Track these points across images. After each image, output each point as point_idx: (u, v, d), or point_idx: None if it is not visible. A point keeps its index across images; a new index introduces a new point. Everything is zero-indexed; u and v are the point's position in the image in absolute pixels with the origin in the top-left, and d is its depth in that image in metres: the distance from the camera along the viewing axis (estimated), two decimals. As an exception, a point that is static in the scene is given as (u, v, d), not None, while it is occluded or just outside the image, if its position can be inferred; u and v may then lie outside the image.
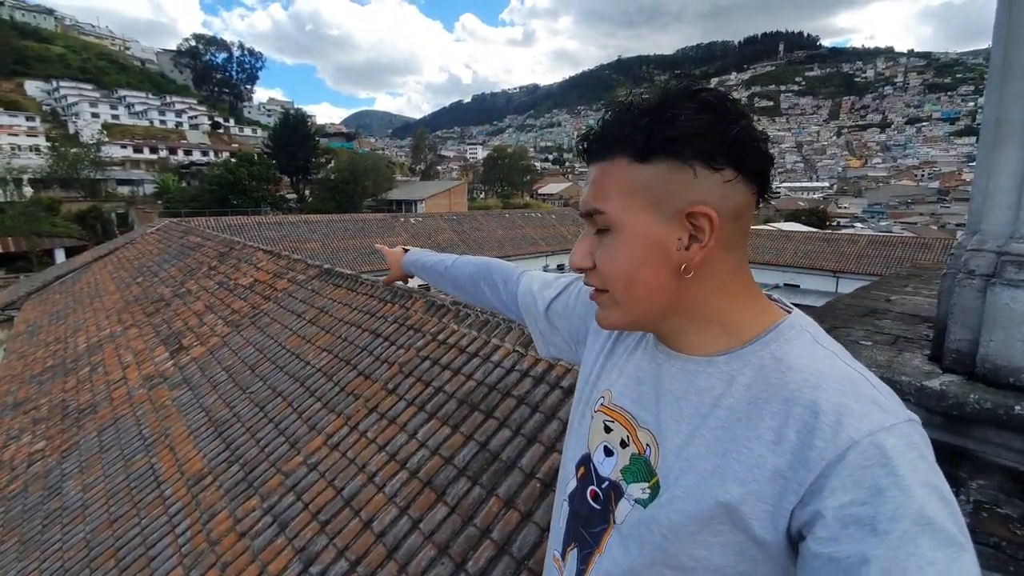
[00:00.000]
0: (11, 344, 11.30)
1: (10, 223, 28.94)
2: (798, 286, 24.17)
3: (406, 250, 1.70)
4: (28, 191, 36.37)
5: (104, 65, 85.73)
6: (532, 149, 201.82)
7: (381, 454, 2.94)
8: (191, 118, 75.64)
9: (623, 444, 0.82)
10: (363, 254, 22.75)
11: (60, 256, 27.08)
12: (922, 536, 0.54)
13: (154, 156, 58.32)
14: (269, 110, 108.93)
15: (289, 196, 48.40)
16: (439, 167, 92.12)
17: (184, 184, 44.76)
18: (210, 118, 79.46)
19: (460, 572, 2.16)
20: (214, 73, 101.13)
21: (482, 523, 2.30)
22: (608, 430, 0.85)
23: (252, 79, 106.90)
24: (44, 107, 69.83)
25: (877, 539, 0.55)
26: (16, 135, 56.84)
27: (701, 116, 0.68)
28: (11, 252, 27.98)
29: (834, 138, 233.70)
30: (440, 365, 3.40)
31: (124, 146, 57.38)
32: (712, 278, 0.74)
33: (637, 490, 0.77)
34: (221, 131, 78.37)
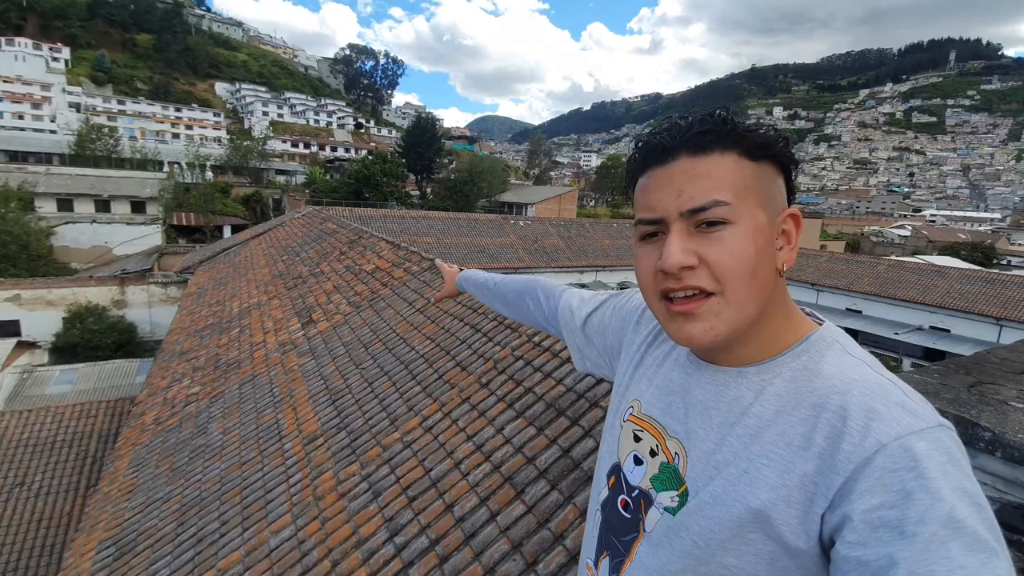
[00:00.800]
0: (184, 302, 13.25)
1: (193, 201, 33.85)
2: (948, 331, 20.74)
3: (461, 269, 1.76)
4: (209, 175, 42.27)
5: (276, 71, 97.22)
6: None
7: (468, 443, 3.05)
8: (339, 119, 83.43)
9: (652, 453, 0.82)
10: (472, 251, 23.60)
11: (227, 232, 31.17)
12: (952, 540, 0.53)
13: (307, 151, 64.94)
14: (404, 113, 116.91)
15: (413, 193, 51.52)
16: (552, 173, 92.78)
17: (328, 177, 49.36)
18: (354, 119, 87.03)
19: (530, 572, 2.17)
20: (362, 79, 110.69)
21: (557, 528, 2.30)
22: (637, 439, 0.86)
23: (393, 85, 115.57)
24: (228, 105, 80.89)
25: (905, 542, 0.54)
26: (205, 127, 66.46)
27: (768, 131, 0.74)
28: (192, 225, 32.72)
29: (1012, 162, 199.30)
30: (532, 366, 3.44)
31: (284, 141, 64.55)
32: (781, 288, 0.77)
33: (666, 498, 0.77)
34: (363, 131, 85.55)
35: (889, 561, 0.54)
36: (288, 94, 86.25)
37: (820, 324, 0.77)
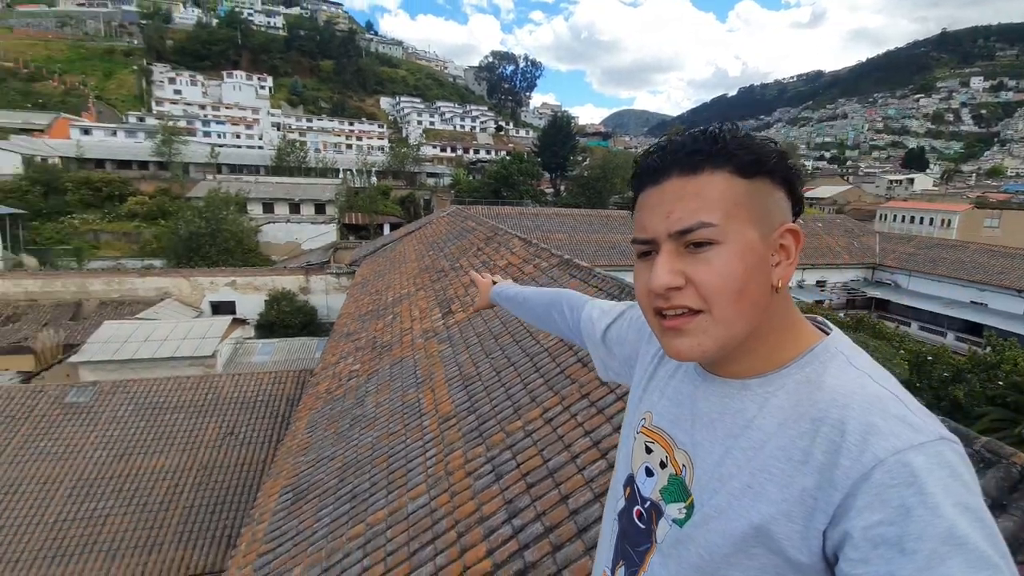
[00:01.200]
0: (351, 290, 15.02)
1: (361, 203, 38.12)
2: None
3: (494, 282, 1.75)
4: (374, 180, 47.19)
5: (429, 82, 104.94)
6: (804, 146, 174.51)
7: (586, 439, 3.07)
8: (482, 123, 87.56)
9: (662, 465, 0.82)
10: (602, 248, 23.24)
11: (387, 229, 34.56)
12: (952, 556, 0.51)
13: (453, 154, 69.21)
14: (541, 113, 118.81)
15: (547, 191, 52.21)
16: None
17: (471, 177, 52.12)
18: (495, 122, 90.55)
19: None
20: (502, 83, 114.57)
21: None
22: (649, 451, 0.86)
23: (531, 87, 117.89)
24: (389, 117, 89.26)
25: (905, 559, 0.53)
26: (371, 138, 74.21)
27: (775, 146, 0.73)
28: (359, 224, 36.85)
29: None
30: (654, 366, 3.34)
31: (434, 146, 69.53)
32: (782, 302, 0.75)
33: (675, 510, 0.77)
34: (502, 133, 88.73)
35: None
36: (439, 103, 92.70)
37: (827, 334, 0.76)
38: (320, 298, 22.10)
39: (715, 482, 0.72)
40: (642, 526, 0.83)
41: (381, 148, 68.28)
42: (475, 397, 4.43)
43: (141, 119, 55.04)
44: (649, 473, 0.84)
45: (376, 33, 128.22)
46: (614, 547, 0.90)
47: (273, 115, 71.06)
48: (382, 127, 79.76)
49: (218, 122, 63.39)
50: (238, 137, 62.71)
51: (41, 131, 45.65)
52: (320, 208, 36.40)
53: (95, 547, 8.32)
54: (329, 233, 34.19)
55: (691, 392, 0.82)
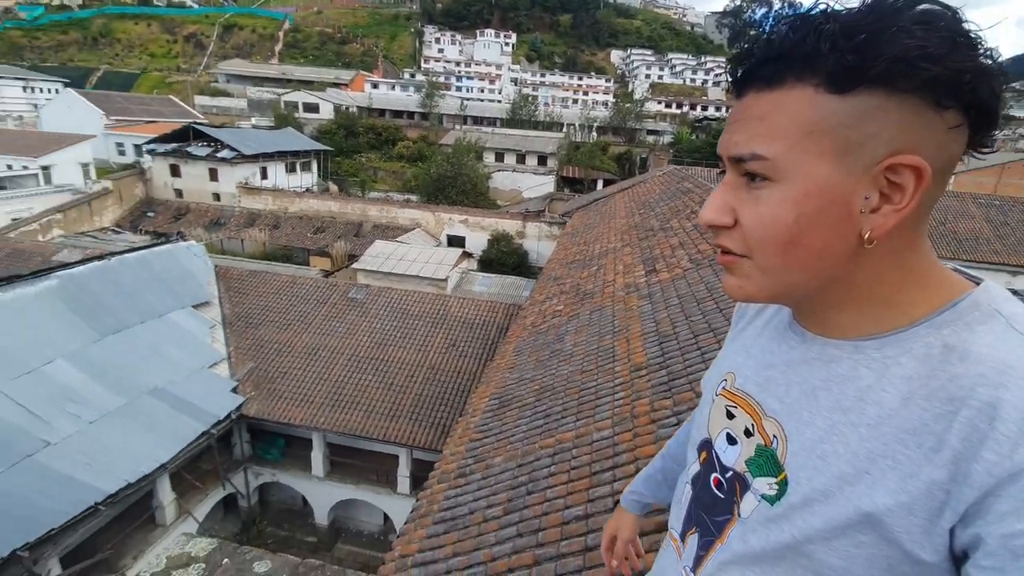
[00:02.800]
0: (561, 239, 15.84)
1: (580, 158, 38.86)
2: None
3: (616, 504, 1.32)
4: (594, 135, 47.34)
5: (664, 33, 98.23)
6: None
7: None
8: (715, 76, 79.06)
9: (747, 433, 0.70)
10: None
11: (600, 185, 34.78)
12: None
13: (678, 111, 64.62)
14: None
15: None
16: (1002, 133, 65.93)
17: (694, 137, 48.36)
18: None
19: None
20: (748, 30, 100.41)
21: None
22: (730, 416, 0.73)
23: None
24: (618, 71, 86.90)
25: None
26: (597, 93, 73.57)
27: (929, 35, 0.49)
28: (576, 177, 37.81)
29: None
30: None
31: (659, 102, 65.73)
32: (896, 251, 0.57)
33: (764, 485, 0.65)
34: (739, 87, 78.96)
35: None
36: (671, 55, 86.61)
37: (976, 285, 0.58)
38: (532, 243, 23.73)
39: (817, 460, 0.59)
40: (720, 495, 0.73)
41: (605, 103, 67.51)
42: (668, 354, 4.52)
43: (412, 75, 64.02)
44: (731, 440, 0.72)
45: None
46: (686, 512, 0.80)
47: (513, 71, 75.40)
48: (608, 81, 78.36)
49: (468, 78, 69.97)
50: (482, 92, 68.44)
51: (346, 85, 56.53)
52: (542, 160, 38.27)
53: (358, 405, 10.92)
54: (547, 184, 35.90)
55: (786, 353, 0.68)
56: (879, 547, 0.54)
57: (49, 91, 45.71)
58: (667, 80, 79.51)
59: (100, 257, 12.05)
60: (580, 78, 77.55)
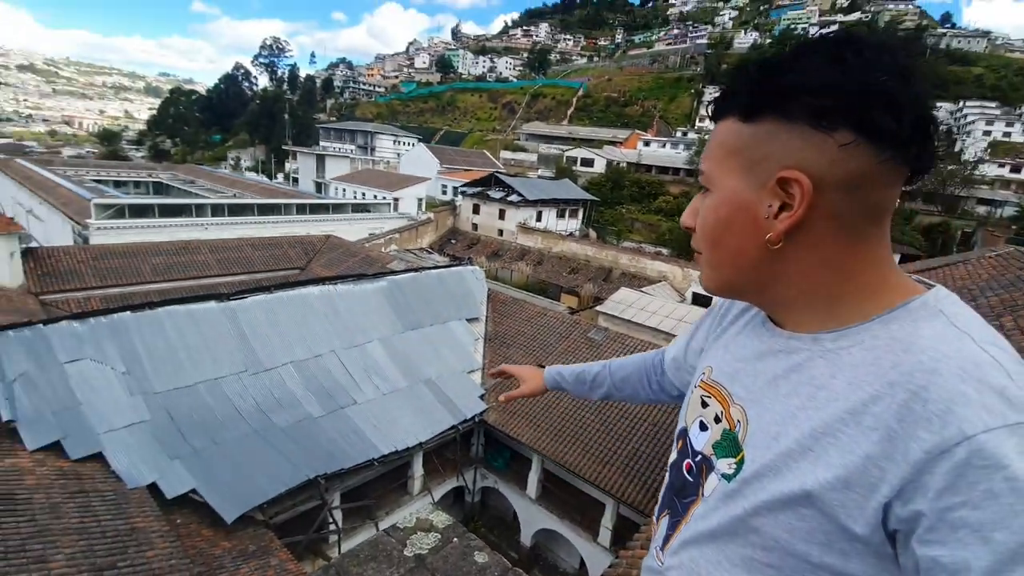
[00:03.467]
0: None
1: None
2: None
3: (541, 366, 1.52)
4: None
5: (1018, 81, 74.57)
6: None
7: None
8: (1119, 133, 55.74)
9: (716, 419, 0.75)
10: None
11: (896, 260, 27.92)
12: None
13: (1036, 177, 47.78)
14: None
15: None
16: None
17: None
18: None
19: None
20: None
21: None
22: (705, 405, 0.79)
23: None
24: (942, 127, 69.38)
25: (986, 548, 0.46)
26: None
27: (824, 68, 0.56)
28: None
29: None
30: None
31: (1001, 164, 49.87)
32: (816, 251, 0.62)
33: (724, 464, 0.70)
34: None
35: (964, 566, 0.47)
36: (1032, 107, 64.75)
37: (928, 289, 0.63)
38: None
39: (769, 440, 0.64)
40: (690, 479, 0.78)
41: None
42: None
43: (684, 134, 63.62)
44: (703, 427, 0.78)
45: (953, 25, 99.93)
46: (662, 497, 0.87)
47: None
48: (928, 140, 62.94)
49: (743, 135, 65.90)
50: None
51: (621, 143, 59.74)
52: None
53: (577, 441, 10.97)
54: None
55: (756, 347, 0.74)
56: (818, 520, 0.57)
57: (408, 144, 60.98)
58: (1017, 138, 59.75)
59: (416, 269, 15.27)
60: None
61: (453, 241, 30.89)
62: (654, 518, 0.90)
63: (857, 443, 0.55)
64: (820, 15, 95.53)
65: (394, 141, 62.44)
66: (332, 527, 9.62)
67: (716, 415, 0.76)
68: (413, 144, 57.46)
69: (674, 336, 12.86)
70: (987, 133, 61.71)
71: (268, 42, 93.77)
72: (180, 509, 7.55)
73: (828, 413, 0.59)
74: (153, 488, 7.43)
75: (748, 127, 0.62)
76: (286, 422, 9.68)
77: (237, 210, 24.37)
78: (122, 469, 7.35)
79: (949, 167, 40.93)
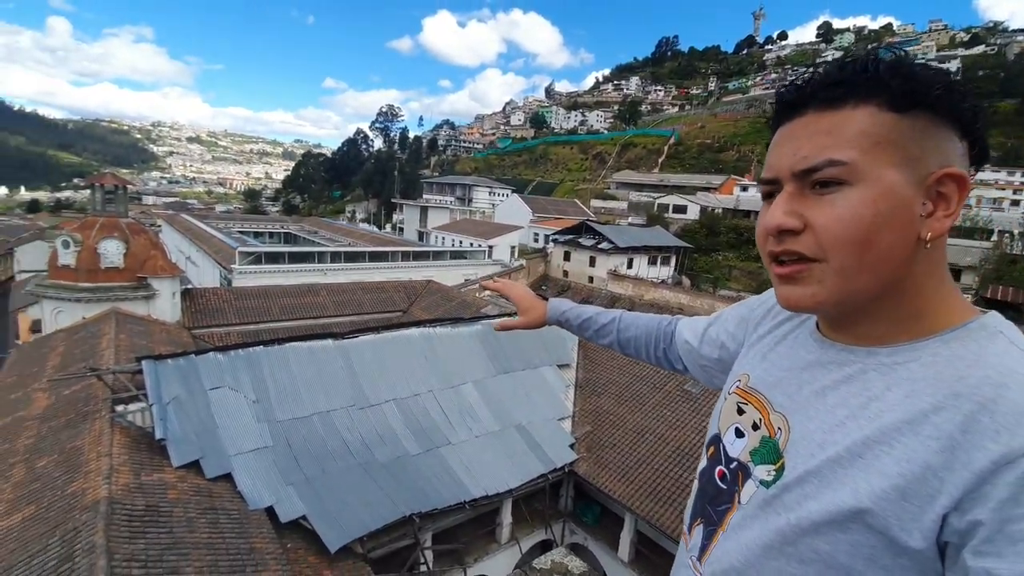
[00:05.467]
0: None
1: (1017, 275, 27.47)
2: None
3: (544, 298, 1.44)
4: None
5: None
6: None
7: None
8: None
9: (755, 427, 0.74)
10: None
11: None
12: None
13: None
14: None
15: None
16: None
17: None
18: None
19: None
20: None
21: None
22: (741, 412, 0.78)
23: None
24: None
25: None
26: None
27: (956, 80, 0.59)
28: (1007, 301, 26.67)
29: None
30: None
31: None
32: (936, 262, 0.62)
33: (763, 471, 0.69)
34: None
35: None
36: None
37: (984, 313, 0.63)
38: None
39: (815, 447, 0.62)
40: (723, 486, 0.76)
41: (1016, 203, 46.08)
42: None
43: (786, 177, 59.93)
44: (739, 434, 0.76)
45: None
46: (693, 505, 0.85)
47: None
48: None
49: (856, 177, 60.64)
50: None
51: (716, 189, 57.65)
52: (956, 273, 28.64)
53: (673, 502, 10.14)
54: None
55: (802, 357, 0.72)
56: (865, 535, 0.55)
57: (503, 195, 63.72)
58: None
59: (509, 314, 15.54)
60: (1030, 173, 55.76)
61: (544, 287, 31.19)
62: (685, 528, 0.87)
63: (916, 452, 0.53)
64: (938, 50, 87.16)
65: (490, 192, 65.69)
66: (424, 567, 9.63)
67: (754, 422, 0.74)
68: (507, 195, 60.01)
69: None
70: None
71: (384, 109, 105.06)
72: (291, 534, 8.02)
73: (882, 423, 0.57)
74: (269, 511, 8.01)
75: (904, 119, 0.59)
76: (386, 457, 10.07)
77: (351, 257, 26.81)
78: (246, 491, 8.04)
79: None
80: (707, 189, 57.70)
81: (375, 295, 19.87)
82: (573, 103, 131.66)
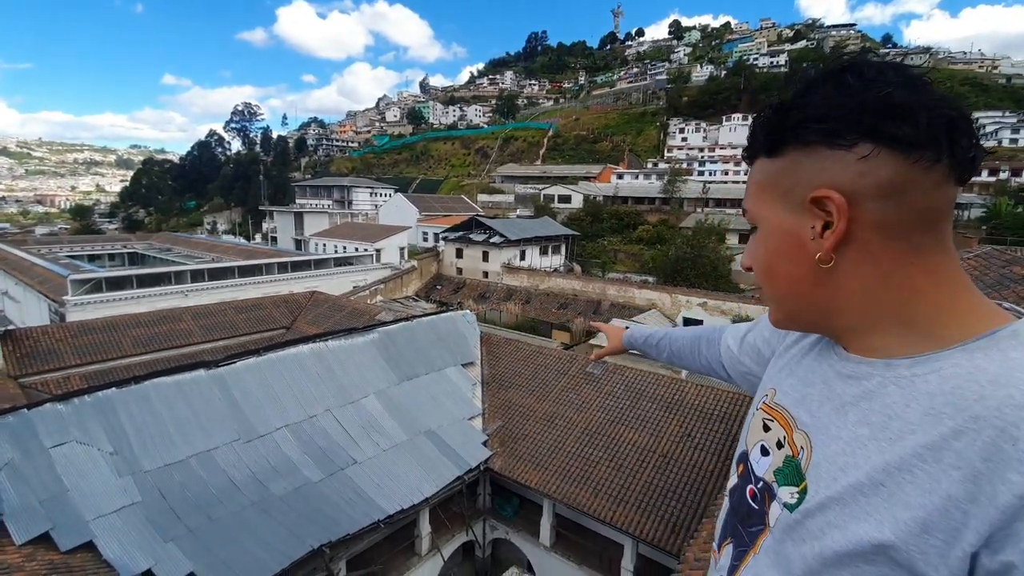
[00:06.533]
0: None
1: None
2: None
3: (626, 327, 1.64)
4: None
5: (964, 91, 79.69)
6: None
7: None
8: (1058, 132, 59.41)
9: (779, 445, 0.72)
10: None
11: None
12: None
13: (991, 178, 50.34)
14: None
15: None
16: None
17: (1019, 209, 36.52)
18: (1090, 129, 59.63)
19: None
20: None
21: None
22: (767, 428, 0.76)
23: None
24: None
25: None
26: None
27: (830, 94, 0.59)
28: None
29: None
30: None
31: (963, 169, 52.35)
32: (873, 266, 0.60)
33: (786, 494, 0.67)
34: (1103, 143, 57.56)
35: None
36: (978, 114, 68.94)
37: (1018, 318, 0.59)
38: (784, 331, 20.75)
39: (836, 471, 0.60)
40: (755, 506, 0.74)
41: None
42: None
43: (655, 164, 65.91)
44: (764, 452, 0.75)
45: (895, 45, 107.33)
46: (723, 523, 0.84)
47: (761, 151, 70.83)
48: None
49: (712, 161, 68.47)
50: (726, 174, 65.83)
51: (595, 177, 61.55)
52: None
53: (587, 481, 10.75)
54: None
55: (823, 371, 0.71)
56: (891, 569, 0.53)
57: (385, 195, 61.79)
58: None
59: (406, 319, 15.20)
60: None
61: (439, 287, 30.94)
62: (715, 546, 0.86)
63: (937, 482, 0.51)
64: (769, 45, 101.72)
65: (371, 193, 63.25)
66: (340, 599, 9.12)
67: (779, 440, 0.72)
68: (390, 195, 58.30)
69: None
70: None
71: (239, 107, 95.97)
72: (177, 596, 7.11)
73: (903, 447, 0.54)
74: (149, 574, 7.02)
75: (775, 161, 0.66)
76: (284, 490, 9.32)
77: (217, 274, 24.19)
78: (114, 558, 6.94)
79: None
80: (587, 178, 61.29)
81: (251, 314, 18.18)
82: (450, 98, 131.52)
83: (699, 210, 43.93)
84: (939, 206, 0.59)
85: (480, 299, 28.47)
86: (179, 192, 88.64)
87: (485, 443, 11.99)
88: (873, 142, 0.57)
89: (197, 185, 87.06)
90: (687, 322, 22.85)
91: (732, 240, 34.89)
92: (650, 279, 30.52)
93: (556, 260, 34.85)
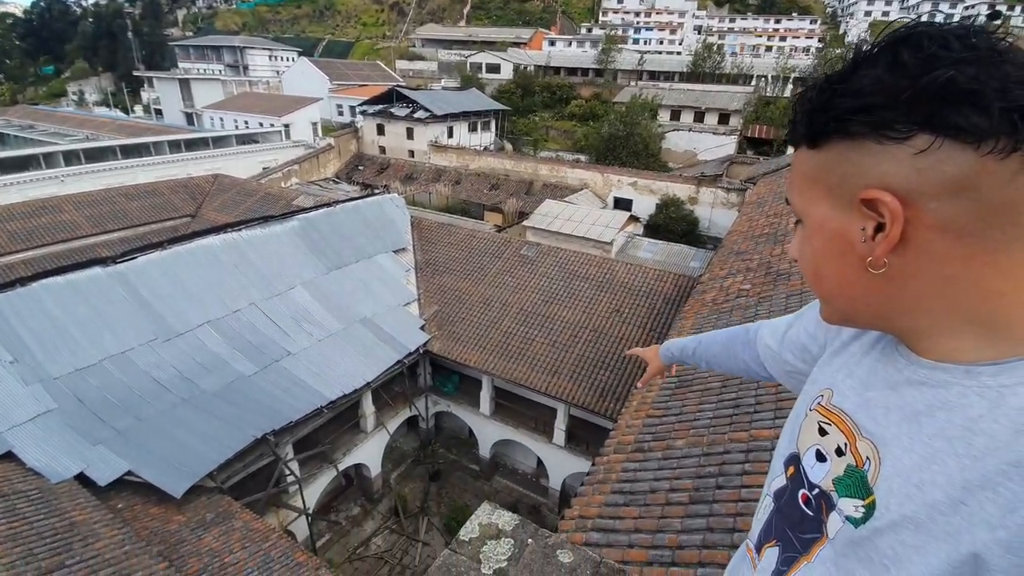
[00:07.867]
0: (744, 208, 14.26)
1: (771, 115, 34.11)
2: None
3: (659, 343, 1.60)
4: (790, 89, 40.96)
5: (898, -43, 78.95)
6: None
7: None
8: (986, 12, 61.54)
9: (839, 452, 0.67)
10: None
11: (792, 148, 30.27)
12: None
13: (909, 54, 52.33)
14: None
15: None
16: None
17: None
18: (993, 8, 62.20)
19: None
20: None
21: None
22: (823, 432, 0.71)
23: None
24: (827, 9, 73.04)
25: None
26: (798, 37, 63.08)
27: (880, 77, 0.52)
28: (764, 138, 33.43)
29: None
30: None
31: (883, 44, 53.89)
32: (937, 268, 0.54)
33: (850, 506, 0.62)
34: (1002, 24, 60.57)
35: None
36: (907, -15, 69.46)
37: None
38: (705, 210, 21.85)
39: (912, 488, 0.56)
40: (809, 513, 0.70)
41: (807, 49, 57.51)
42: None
43: (589, 30, 61.75)
44: (820, 457, 0.70)
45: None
46: (765, 524, 0.80)
47: (697, 17, 68.09)
48: (814, 23, 66.27)
49: (647, 28, 65.29)
50: (661, 43, 63.44)
51: (526, 43, 56.98)
52: (724, 118, 34.39)
53: (524, 357, 11.49)
54: (728, 145, 32.34)
55: (889, 374, 0.65)
56: None
57: (288, 59, 54.22)
58: (896, 16, 64.40)
59: (328, 204, 14.27)
60: (778, 20, 66.91)
61: (361, 168, 28.93)
62: (751, 544, 0.83)
63: (1022, 499, 0.48)
64: None
65: (270, 56, 55.17)
66: (291, 478, 9.63)
67: (839, 447, 0.68)
68: (293, 59, 51.24)
69: (602, 243, 13.33)
70: (868, 14, 65.73)
71: (81, -64, 75.91)
72: (119, 493, 7.14)
73: (988, 464, 0.51)
74: (83, 478, 6.91)
75: (818, 153, 0.59)
76: (217, 386, 9.19)
77: (95, 155, 20.95)
78: (40, 465, 6.71)
79: (836, 50, 43.61)
80: (517, 44, 56.78)
81: (145, 201, 16.23)
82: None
83: (634, 83, 42.62)
84: (1016, 199, 0.50)
85: (407, 180, 27.13)
86: (31, 54, 72.30)
87: (423, 327, 12.25)
88: (933, 133, 0.49)
89: (52, 45, 71.16)
90: (617, 202, 23.40)
91: (664, 116, 34.73)
92: (582, 158, 30.29)
93: (486, 137, 33.32)
